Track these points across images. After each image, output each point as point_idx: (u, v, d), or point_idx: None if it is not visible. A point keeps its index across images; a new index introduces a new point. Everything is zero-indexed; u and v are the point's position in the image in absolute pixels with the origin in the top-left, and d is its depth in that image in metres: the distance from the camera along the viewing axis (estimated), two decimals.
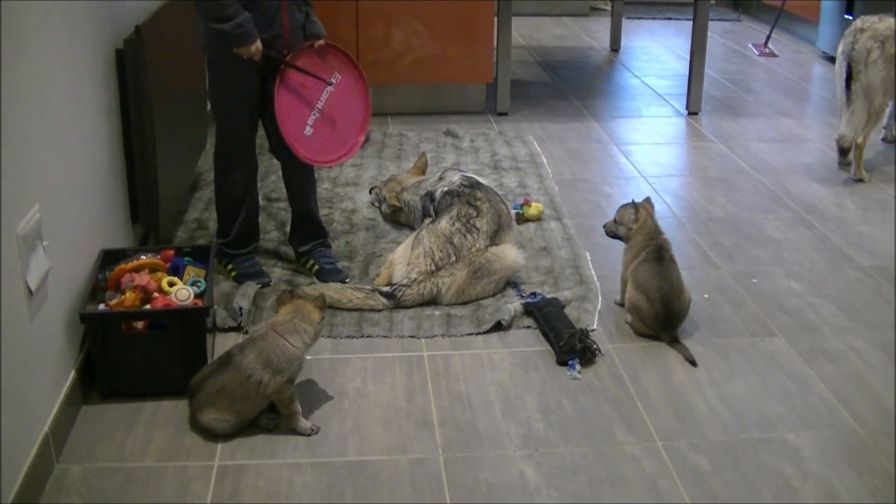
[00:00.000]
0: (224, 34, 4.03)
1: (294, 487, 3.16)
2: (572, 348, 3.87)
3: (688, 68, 7.38)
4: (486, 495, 3.14)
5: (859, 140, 6.00)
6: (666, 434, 3.47)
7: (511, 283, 4.46)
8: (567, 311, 4.17)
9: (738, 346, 4.07)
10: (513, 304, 4.22)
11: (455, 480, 3.21)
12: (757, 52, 9.58)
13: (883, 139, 6.81)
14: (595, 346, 3.93)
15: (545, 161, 6.17)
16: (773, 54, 9.50)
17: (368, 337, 4.06)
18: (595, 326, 4.15)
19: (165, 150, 4.45)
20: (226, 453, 3.32)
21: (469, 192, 4.62)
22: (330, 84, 4.31)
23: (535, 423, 3.51)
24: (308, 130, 4.26)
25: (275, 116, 4.15)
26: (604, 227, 4.41)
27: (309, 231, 4.66)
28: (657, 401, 3.69)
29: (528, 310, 4.18)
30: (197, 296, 3.71)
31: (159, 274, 3.79)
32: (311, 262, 4.60)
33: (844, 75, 5.98)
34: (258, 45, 4.09)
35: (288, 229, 4.88)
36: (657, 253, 4.15)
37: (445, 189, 4.73)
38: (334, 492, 3.14)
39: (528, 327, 4.13)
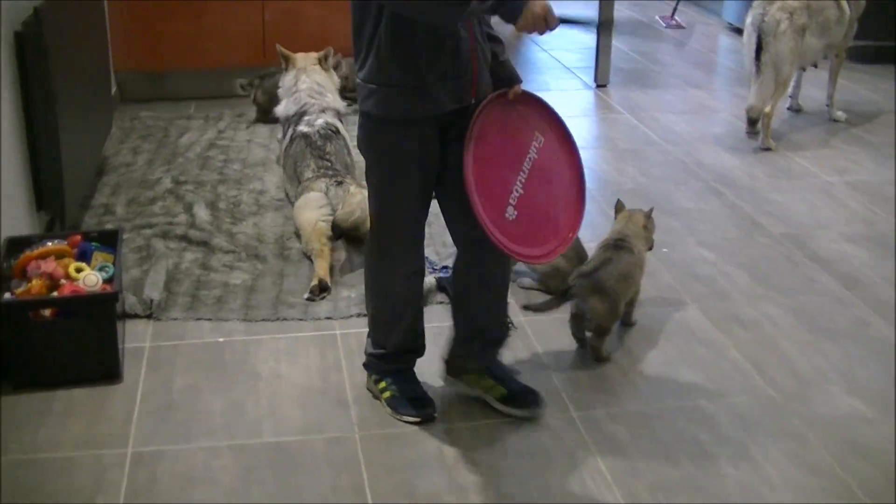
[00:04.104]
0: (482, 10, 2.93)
1: (211, 472, 3.13)
2: None
3: (595, 41, 7.40)
4: (405, 472, 3.15)
5: (767, 110, 6.08)
6: (582, 405, 3.50)
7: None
8: None
9: (652, 315, 4.11)
10: (426, 279, 4.20)
11: (372, 458, 3.21)
12: (664, 25, 9.65)
13: (789, 108, 6.91)
14: (507, 320, 3.93)
15: None
16: (680, 26, 9.57)
17: (284, 320, 4.04)
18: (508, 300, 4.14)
19: (69, 134, 4.38)
20: (140, 439, 3.28)
21: (321, 146, 4.95)
22: (533, 148, 3.23)
23: (450, 398, 3.53)
24: (510, 213, 3.14)
25: (463, 194, 3.07)
26: None
27: (488, 343, 3.59)
28: (572, 372, 3.72)
29: (441, 285, 4.18)
30: (105, 281, 3.66)
31: (66, 260, 3.73)
32: (492, 382, 3.52)
33: (754, 46, 6.05)
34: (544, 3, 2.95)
35: (196, 210, 4.84)
36: None
37: (304, 130, 5.05)
38: (252, 475, 3.13)
39: (441, 303, 4.14)
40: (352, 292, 4.20)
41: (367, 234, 3.44)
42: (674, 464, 3.21)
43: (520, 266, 4.29)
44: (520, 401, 3.44)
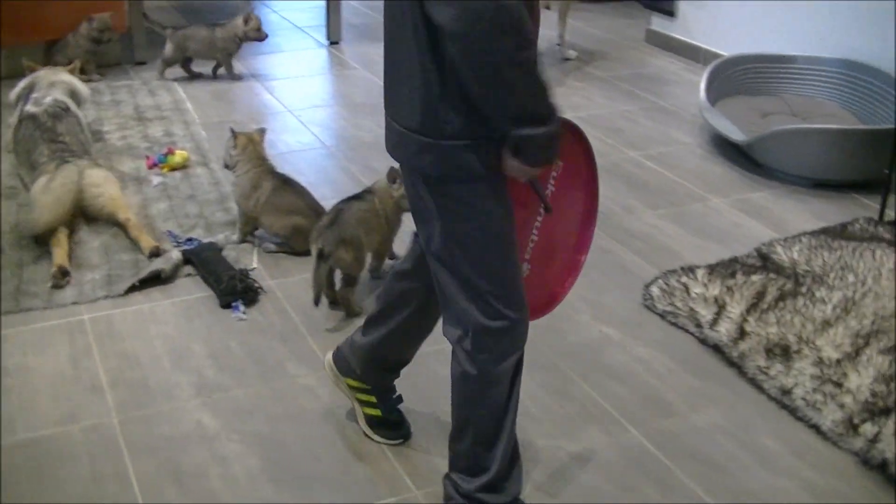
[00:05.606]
0: (532, 141, 2.29)
1: None
2: (233, 290, 3.86)
3: None
4: (167, 450, 3.10)
5: None
6: None
7: (167, 232, 4.38)
8: (225, 253, 4.16)
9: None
10: (172, 253, 4.14)
11: (133, 441, 3.14)
12: None
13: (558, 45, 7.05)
14: (257, 285, 3.93)
15: (190, 107, 6.05)
16: None
17: (28, 310, 3.88)
18: (255, 265, 4.14)
19: None
20: None
21: (51, 127, 4.76)
22: (551, 181, 2.64)
23: (205, 370, 3.49)
24: (524, 270, 2.68)
25: None
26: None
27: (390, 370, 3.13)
28: (324, 329, 3.74)
29: (187, 257, 4.11)
30: None
31: None
32: (373, 400, 3.13)
33: None
34: None
35: None
36: (283, 178, 4.30)
37: (31, 110, 4.88)
38: (9, 476, 3.00)
39: (189, 275, 4.08)
40: (96, 274, 4.09)
41: (462, 334, 2.62)
42: (433, 406, 3.26)
43: (260, 231, 4.31)
44: (388, 429, 3.15)
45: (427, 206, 2.49)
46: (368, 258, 3.98)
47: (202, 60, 6.68)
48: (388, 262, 4.10)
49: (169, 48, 6.60)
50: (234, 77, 6.64)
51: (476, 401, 2.68)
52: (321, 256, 3.71)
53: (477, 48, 2.15)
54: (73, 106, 5.06)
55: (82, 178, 4.45)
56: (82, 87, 5.36)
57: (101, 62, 6.68)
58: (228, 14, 7.02)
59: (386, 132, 2.53)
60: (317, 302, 3.72)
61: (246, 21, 6.53)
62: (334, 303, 3.84)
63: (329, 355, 3.18)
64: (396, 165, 3.73)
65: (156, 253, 4.12)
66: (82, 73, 6.23)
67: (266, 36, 6.63)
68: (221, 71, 6.70)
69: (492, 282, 2.51)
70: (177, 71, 6.65)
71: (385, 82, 2.48)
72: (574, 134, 2.63)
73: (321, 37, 7.54)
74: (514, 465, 2.78)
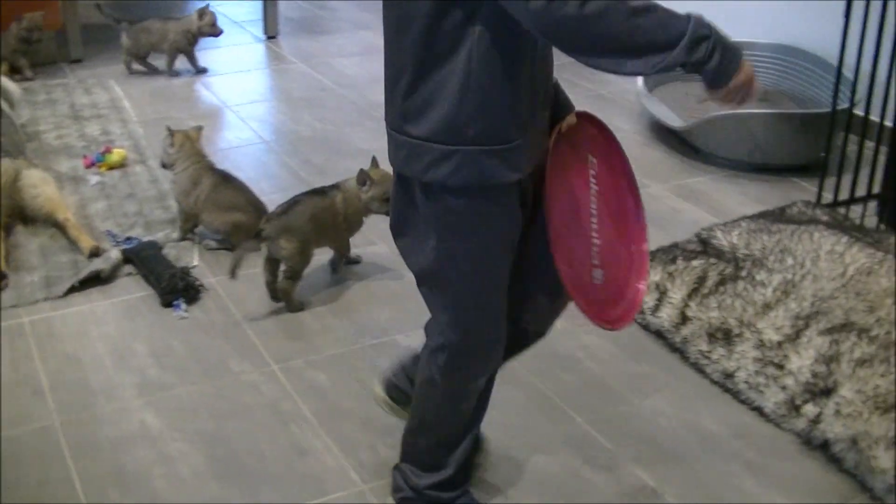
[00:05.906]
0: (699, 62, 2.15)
1: None
2: (174, 288, 3.83)
3: None
4: (111, 451, 3.07)
5: None
6: (280, 357, 3.50)
7: (106, 231, 4.34)
8: (165, 251, 4.12)
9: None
10: (111, 253, 4.10)
11: (76, 443, 3.11)
12: None
13: None
14: (198, 283, 3.90)
15: (128, 105, 5.99)
16: None
17: None
18: (196, 263, 4.11)
19: None
20: None
21: None
22: (592, 179, 2.46)
23: (148, 370, 3.46)
24: (597, 276, 2.45)
25: (540, 261, 2.40)
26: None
27: None
28: (267, 325, 3.72)
29: (127, 257, 4.08)
30: None
31: None
32: None
33: None
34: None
35: None
36: (222, 174, 4.26)
37: None
38: None
39: (129, 274, 4.04)
40: (34, 276, 4.04)
41: (440, 346, 2.51)
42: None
43: (200, 228, 4.29)
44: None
45: (423, 218, 2.33)
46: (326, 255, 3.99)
47: (155, 55, 6.62)
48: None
49: (127, 42, 6.54)
50: (173, 74, 6.56)
51: (442, 409, 2.62)
52: (258, 235, 3.73)
53: (576, 22, 2.01)
54: (5, 106, 5.00)
55: (18, 180, 4.40)
56: (14, 87, 5.30)
57: (36, 61, 6.59)
58: (167, 10, 7.00)
59: (390, 148, 2.32)
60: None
61: (200, 16, 6.47)
62: (276, 297, 3.83)
63: (379, 390, 2.95)
64: (366, 167, 3.80)
65: (95, 253, 4.08)
66: (16, 72, 6.17)
67: (221, 31, 6.57)
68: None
69: (477, 303, 2.42)
70: (116, 68, 6.58)
71: (388, 94, 2.29)
72: (596, 126, 2.49)
73: (258, 31, 7.48)
74: (470, 464, 2.77)
